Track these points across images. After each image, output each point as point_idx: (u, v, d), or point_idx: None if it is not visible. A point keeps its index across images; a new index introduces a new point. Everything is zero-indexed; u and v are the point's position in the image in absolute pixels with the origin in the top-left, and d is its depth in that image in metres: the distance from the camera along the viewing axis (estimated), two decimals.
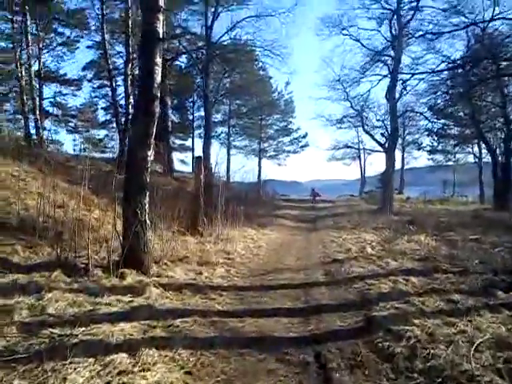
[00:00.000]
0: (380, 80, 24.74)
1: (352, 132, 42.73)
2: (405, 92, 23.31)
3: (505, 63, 17.99)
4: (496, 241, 11.69)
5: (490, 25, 17.69)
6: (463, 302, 5.81)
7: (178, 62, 32.03)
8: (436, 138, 32.58)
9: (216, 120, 38.64)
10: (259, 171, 36.91)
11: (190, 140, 39.61)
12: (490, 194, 31.31)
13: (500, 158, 23.70)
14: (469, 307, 5.59)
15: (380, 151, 26.92)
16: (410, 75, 21.94)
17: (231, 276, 7.50)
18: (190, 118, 38.45)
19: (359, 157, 48.87)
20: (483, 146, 29.44)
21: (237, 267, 8.28)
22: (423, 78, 21.32)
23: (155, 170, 24.91)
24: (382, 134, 26.95)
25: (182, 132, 39.78)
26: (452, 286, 6.79)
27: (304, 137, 41.79)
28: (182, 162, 39.81)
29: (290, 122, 41.43)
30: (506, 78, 19.87)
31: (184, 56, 30.84)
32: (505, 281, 7.21)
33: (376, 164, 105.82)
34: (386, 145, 23.89)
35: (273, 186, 38.16)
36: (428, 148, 35.52)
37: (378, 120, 29.19)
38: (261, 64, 31.42)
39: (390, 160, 22.92)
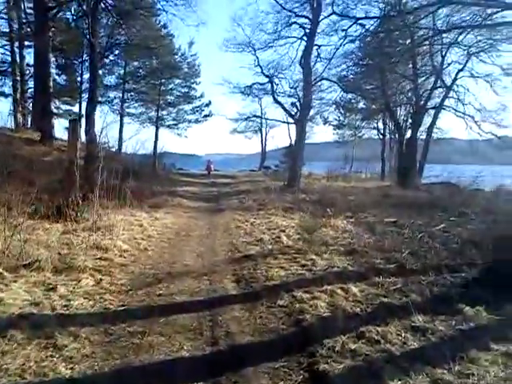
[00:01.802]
0: (295, 41, 22.75)
1: (255, 105, 41.08)
2: (319, 60, 21.78)
3: (420, 33, 17.17)
4: (412, 223, 10.83)
5: None
6: (432, 329, 4.18)
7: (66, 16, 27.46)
8: (343, 112, 32.08)
9: (109, 84, 34.43)
10: (155, 142, 33.58)
11: (78, 105, 34.86)
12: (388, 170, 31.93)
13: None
14: (444, 339, 3.99)
15: (288, 122, 25.46)
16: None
17: (103, 292, 5.06)
18: (79, 80, 33.69)
19: (261, 130, 47.47)
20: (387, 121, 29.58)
21: (114, 274, 5.84)
22: (339, 46, 19.78)
23: (30, 137, 21.18)
24: (293, 104, 25.34)
25: (70, 96, 34.84)
26: (402, 297, 5.25)
27: (207, 105, 38.32)
28: (67, 130, 34.87)
29: (193, 88, 37.87)
30: (419, 50, 19.25)
31: (73, 8, 26.38)
32: (454, 284, 5.94)
33: (277, 138, 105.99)
34: (297, 115, 22.30)
35: (170, 159, 35.30)
36: (335, 122, 35.01)
37: (291, 87, 27.23)
38: (162, 20, 28.07)
39: (301, 132, 21.27)
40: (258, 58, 25.66)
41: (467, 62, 22.88)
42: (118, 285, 5.41)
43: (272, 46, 23.67)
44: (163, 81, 34.81)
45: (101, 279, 5.49)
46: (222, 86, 33.10)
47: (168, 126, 38.74)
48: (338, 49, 20.44)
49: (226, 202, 16.41)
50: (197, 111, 38.78)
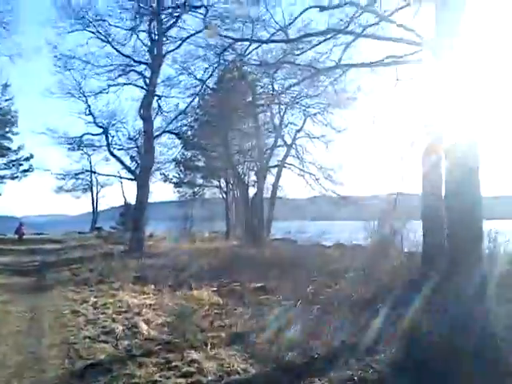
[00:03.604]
0: (132, 89, 20.96)
1: (84, 161, 37.23)
2: (160, 112, 20.28)
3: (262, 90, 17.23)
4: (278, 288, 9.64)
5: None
6: None
7: None
8: (183, 170, 30.73)
9: None
10: None
11: None
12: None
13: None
14: None
15: (126, 178, 23.12)
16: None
17: None
18: None
19: (91, 188, 43.09)
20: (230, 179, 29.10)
21: None
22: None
23: None
24: (133, 158, 23.04)
25: None
26: None
27: (28, 159, 33.44)
28: None
29: (9, 138, 32.60)
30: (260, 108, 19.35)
31: None
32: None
33: (109, 197, 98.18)
34: (138, 170, 20.10)
35: None
36: (175, 180, 33.28)
37: (130, 139, 24.84)
38: None
39: (144, 188, 19.01)
40: (89, 105, 23.10)
41: (304, 123, 24.07)
42: None
43: (107, 93, 21.44)
44: None
45: None
46: (46, 136, 28.70)
47: None
48: (178, 103, 19.55)
49: (53, 276, 12.92)
50: (13, 165, 33.47)
